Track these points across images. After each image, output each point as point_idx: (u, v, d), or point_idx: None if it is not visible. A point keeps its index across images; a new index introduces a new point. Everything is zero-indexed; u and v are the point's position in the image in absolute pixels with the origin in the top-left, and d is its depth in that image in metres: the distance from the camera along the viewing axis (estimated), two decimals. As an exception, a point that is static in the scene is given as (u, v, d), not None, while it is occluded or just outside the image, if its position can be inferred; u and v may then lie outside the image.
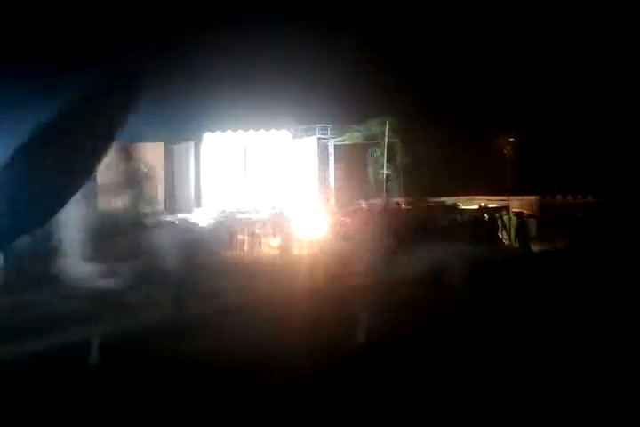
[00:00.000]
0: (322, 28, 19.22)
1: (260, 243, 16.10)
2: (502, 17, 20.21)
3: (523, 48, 20.05)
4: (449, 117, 19.68)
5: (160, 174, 18.42)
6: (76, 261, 5.93)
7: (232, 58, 18.45)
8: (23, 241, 6.06)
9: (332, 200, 19.93)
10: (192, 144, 18.71)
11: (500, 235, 13.93)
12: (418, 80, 19.91)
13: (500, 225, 13.77)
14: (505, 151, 19.77)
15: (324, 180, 20.01)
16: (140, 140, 18.06)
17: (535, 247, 12.81)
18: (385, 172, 20.76)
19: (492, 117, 19.79)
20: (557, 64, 19.96)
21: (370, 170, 21.11)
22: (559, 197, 18.99)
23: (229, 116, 18.28)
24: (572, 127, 20.06)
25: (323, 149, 20.20)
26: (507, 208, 15.22)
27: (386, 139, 20.44)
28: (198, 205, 18.40)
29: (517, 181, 19.39)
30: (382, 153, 20.64)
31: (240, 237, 16.43)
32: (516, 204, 17.37)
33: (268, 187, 18.71)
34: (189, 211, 17.63)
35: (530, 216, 15.09)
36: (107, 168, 17.10)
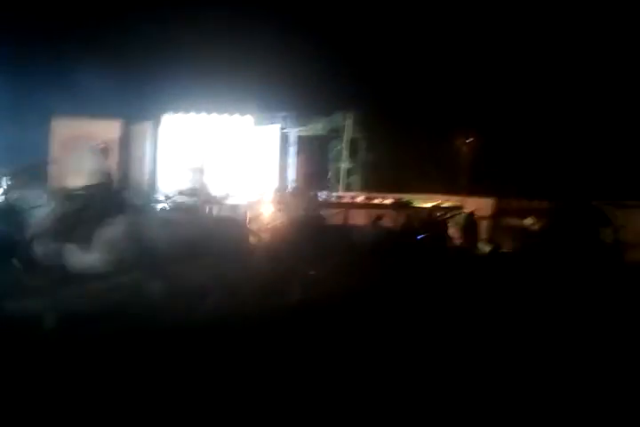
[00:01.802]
0: (293, 16, 19.07)
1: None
2: (467, 14, 20.31)
3: (486, 49, 20.20)
4: (412, 116, 19.81)
5: (115, 154, 18.14)
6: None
7: (199, 37, 18.21)
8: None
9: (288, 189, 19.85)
10: (150, 124, 18.34)
11: (451, 234, 14.04)
12: (383, 77, 19.96)
13: (450, 224, 13.88)
14: (464, 152, 19.95)
15: (282, 169, 19.88)
16: (96, 115, 17.81)
17: (483, 248, 12.97)
18: (345, 166, 20.76)
19: (454, 118, 19.94)
20: (520, 67, 20.14)
21: (331, 163, 21.10)
22: (516, 201, 19.20)
23: (191, 97, 18.01)
24: (535, 130, 20.31)
25: (284, 139, 20.05)
26: (459, 208, 15.32)
27: (348, 133, 20.40)
28: (150, 183, 18.14)
29: (475, 183, 19.58)
30: (344, 147, 20.61)
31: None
32: (472, 204, 17.48)
33: (224, 173, 18.47)
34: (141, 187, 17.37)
35: (483, 217, 15.25)
36: (62, 145, 16.75)
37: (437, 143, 20.21)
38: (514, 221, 17.86)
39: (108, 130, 17.97)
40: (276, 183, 19.14)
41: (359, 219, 15.63)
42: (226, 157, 18.87)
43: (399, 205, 15.38)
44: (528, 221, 17.51)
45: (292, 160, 20.11)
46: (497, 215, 16.29)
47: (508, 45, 20.33)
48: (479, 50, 20.31)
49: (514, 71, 20.28)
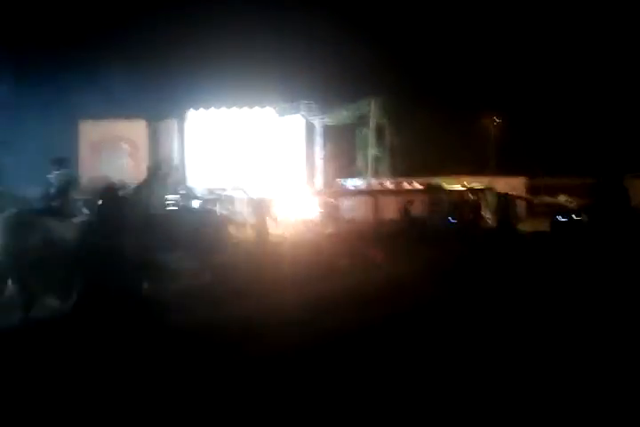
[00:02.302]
0: (312, 4, 18.88)
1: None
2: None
3: (512, 30, 19.83)
4: (437, 98, 19.58)
5: (144, 152, 18.29)
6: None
7: (218, 29, 18.17)
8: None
9: (319, 180, 19.80)
10: (175, 121, 18.40)
11: (484, 215, 13.85)
12: (407, 60, 19.73)
13: (483, 205, 13.69)
14: (491, 132, 19.62)
15: (310, 160, 19.80)
16: (122, 115, 17.91)
17: (521, 228, 12.70)
18: (373, 152, 20.57)
19: (480, 98, 19.66)
20: (546, 46, 19.75)
21: (358, 150, 20.92)
22: (548, 178, 18.92)
23: (213, 93, 18.01)
24: (561, 110, 19.95)
25: (309, 129, 19.95)
26: (491, 189, 15.09)
27: (374, 119, 20.19)
28: (180, 180, 18.20)
29: (505, 162, 19.29)
30: (370, 133, 20.41)
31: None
32: (503, 184, 17.27)
33: (253, 166, 18.46)
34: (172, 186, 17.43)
35: (516, 197, 14.98)
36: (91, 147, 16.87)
37: (465, 125, 19.95)
38: (548, 199, 17.61)
39: (134, 130, 18.12)
40: (304, 174, 19.11)
41: (391, 205, 15.48)
42: (252, 150, 18.88)
43: (430, 189, 15.19)
44: (562, 199, 17.26)
45: (319, 149, 20.00)
46: (530, 194, 16.06)
47: (534, 25, 20.01)
48: (506, 30, 19.99)
49: (542, 50, 19.94)
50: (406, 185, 18.18)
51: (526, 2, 19.16)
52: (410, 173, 19.00)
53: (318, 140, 20.07)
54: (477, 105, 19.82)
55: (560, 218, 10.66)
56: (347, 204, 18.40)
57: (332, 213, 16.30)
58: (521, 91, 19.56)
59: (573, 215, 10.33)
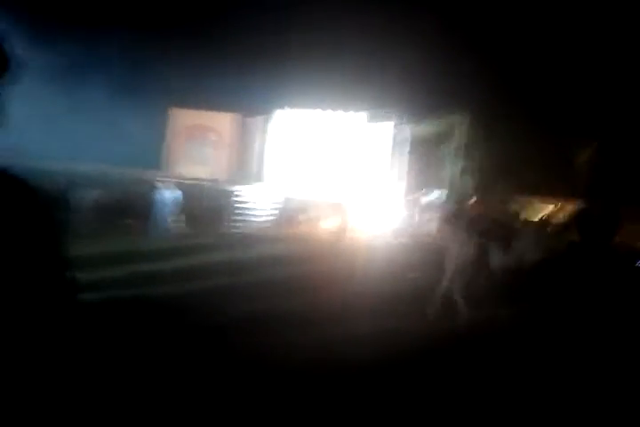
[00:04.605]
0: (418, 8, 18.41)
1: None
2: (597, 12, 19.04)
3: (618, 47, 18.85)
4: (531, 116, 18.78)
5: (230, 146, 18.24)
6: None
7: (316, 31, 17.91)
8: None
9: (400, 191, 19.26)
10: (263, 118, 18.27)
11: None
12: (501, 75, 19.00)
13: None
14: (585, 156, 18.71)
15: (394, 169, 19.30)
16: (213, 107, 17.91)
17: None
18: (458, 167, 19.96)
19: (575, 120, 18.74)
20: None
21: (443, 165, 20.31)
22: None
23: (304, 93, 17.74)
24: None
25: (397, 137, 19.47)
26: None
27: (462, 133, 19.60)
28: (259, 179, 18.09)
29: (596, 189, 18.30)
30: (457, 147, 19.82)
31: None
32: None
33: (335, 171, 18.14)
34: (249, 183, 17.34)
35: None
36: (179, 135, 17.03)
37: (557, 146, 19.11)
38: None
39: (223, 122, 18.06)
40: (386, 183, 18.65)
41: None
42: (335, 155, 18.55)
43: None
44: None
45: (404, 159, 19.51)
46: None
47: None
48: (608, 49, 19.09)
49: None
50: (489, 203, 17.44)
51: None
52: (495, 192, 18.25)
53: (404, 151, 19.56)
54: (573, 127, 18.90)
55: None
56: (426, 217, 17.86)
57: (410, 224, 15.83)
58: (622, 114, 18.56)
59: None
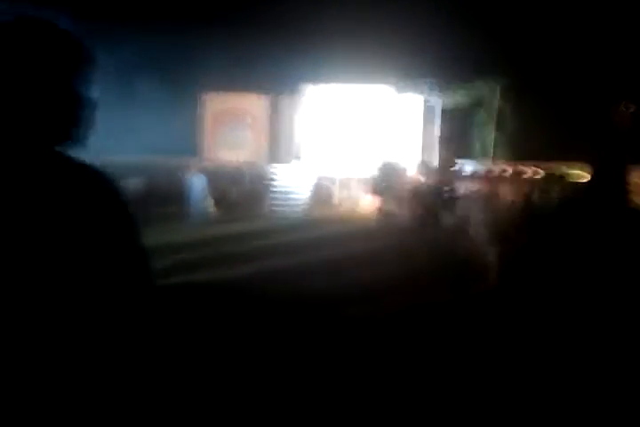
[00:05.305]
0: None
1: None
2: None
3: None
4: (563, 83, 18.54)
5: (264, 127, 18.46)
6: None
7: (340, 3, 17.80)
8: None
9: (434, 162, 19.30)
10: (294, 96, 18.38)
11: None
12: (533, 39, 18.71)
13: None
14: (621, 120, 18.46)
15: (426, 140, 19.32)
16: (244, 89, 18.06)
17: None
18: (491, 134, 19.90)
19: (609, 84, 18.44)
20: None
21: (475, 133, 20.25)
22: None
23: (335, 66, 17.73)
24: None
25: (427, 107, 19.43)
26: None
27: (494, 100, 19.48)
28: (297, 156, 18.33)
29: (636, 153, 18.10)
30: (489, 115, 19.73)
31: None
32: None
33: (368, 144, 18.25)
34: (288, 162, 17.63)
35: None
36: (213, 119, 17.33)
37: (591, 111, 18.86)
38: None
39: (256, 103, 18.24)
40: (419, 155, 18.71)
41: (507, 194, 14.86)
42: (368, 129, 18.62)
43: (551, 180, 14.40)
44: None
45: (436, 129, 19.49)
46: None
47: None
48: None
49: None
50: (526, 173, 17.48)
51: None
52: (529, 158, 18.22)
53: (436, 121, 19.54)
54: (607, 91, 18.60)
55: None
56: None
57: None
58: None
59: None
